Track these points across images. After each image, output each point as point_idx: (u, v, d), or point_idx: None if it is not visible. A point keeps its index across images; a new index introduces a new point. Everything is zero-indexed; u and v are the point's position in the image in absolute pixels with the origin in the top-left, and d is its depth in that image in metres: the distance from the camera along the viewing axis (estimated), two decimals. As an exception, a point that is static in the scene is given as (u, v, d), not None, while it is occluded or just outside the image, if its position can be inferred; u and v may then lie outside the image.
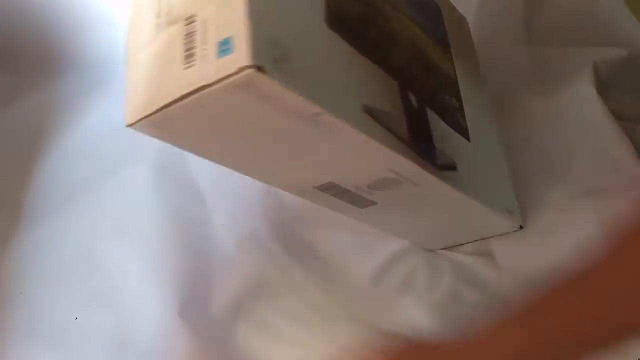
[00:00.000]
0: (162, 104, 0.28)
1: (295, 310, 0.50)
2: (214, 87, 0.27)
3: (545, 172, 0.51)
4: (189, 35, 0.28)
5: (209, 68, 0.27)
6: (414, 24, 0.40)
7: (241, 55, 0.26)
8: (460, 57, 0.45)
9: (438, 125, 0.39)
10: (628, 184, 0.48)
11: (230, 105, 0.28)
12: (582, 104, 0.52)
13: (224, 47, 0.27)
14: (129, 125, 0.29)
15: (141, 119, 0.28)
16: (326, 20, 0.32)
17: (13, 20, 0.68)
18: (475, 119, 0.44)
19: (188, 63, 0.28)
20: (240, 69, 0.26)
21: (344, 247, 0.52)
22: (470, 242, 0.51)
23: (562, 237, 0.46)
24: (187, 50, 0.28)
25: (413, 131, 0.35)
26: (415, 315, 0.48)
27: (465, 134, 0.42)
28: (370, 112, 0.32)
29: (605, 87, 0.53)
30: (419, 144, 0.36)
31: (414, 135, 0.36)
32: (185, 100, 0.27)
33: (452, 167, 0.38)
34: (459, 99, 0.43)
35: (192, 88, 0.27)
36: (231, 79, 0.26)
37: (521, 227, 0.47)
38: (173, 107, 0.28)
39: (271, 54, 0.27)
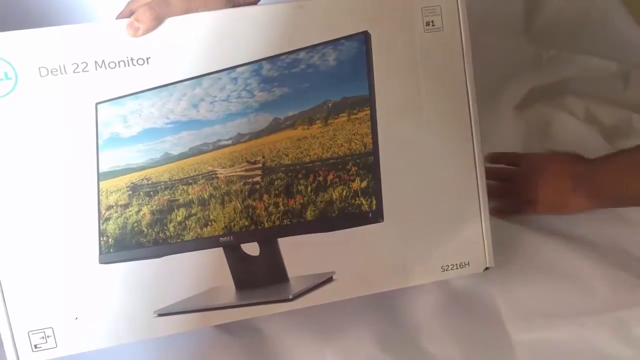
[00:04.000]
0: None
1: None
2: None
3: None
4: None
5: None
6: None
7: None
8: (429, 77, 0.37)
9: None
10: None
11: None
12: (569, 115, 0.55)
13: None
14: None
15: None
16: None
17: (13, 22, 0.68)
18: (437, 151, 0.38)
19: None
20: None
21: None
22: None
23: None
24: None
25: (244, 284, 0.36)
26: None
27: (369, 219, 0.36)
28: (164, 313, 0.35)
29: (593, 99, 0.56)
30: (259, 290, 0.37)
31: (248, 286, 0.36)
32: None
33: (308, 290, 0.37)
34: (365, 175, 0.36)
35: None
36: None
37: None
38: None
39: None
